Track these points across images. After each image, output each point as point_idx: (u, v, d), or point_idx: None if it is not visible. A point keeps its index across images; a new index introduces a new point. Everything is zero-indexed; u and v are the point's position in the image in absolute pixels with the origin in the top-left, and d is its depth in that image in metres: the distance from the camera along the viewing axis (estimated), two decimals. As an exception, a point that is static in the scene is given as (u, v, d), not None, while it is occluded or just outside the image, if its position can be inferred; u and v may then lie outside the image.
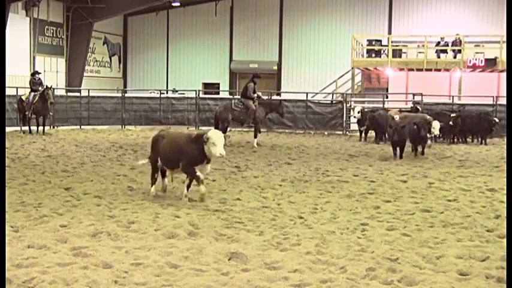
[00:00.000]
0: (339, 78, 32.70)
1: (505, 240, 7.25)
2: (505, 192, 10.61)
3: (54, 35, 30.88)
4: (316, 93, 30.54)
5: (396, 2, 34.04)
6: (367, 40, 31.62)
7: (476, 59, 28.23)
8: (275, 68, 35.87)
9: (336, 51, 33.15)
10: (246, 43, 36.21)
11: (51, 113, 23.00)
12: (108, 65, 37.16)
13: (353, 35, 30.39)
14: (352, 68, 29.66)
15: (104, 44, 36.50)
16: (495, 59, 27.54)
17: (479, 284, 5.55)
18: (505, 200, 9.90)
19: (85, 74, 32.70)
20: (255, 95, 18.60)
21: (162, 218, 8.22)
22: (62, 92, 28.28)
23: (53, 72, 30.55)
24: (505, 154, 14.63)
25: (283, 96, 29.78)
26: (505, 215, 8.73)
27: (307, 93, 27.10)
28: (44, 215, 8.20)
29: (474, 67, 28.43)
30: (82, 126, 25.85)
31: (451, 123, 20.20)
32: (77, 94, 28.24)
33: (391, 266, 6.05)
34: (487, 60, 27.87)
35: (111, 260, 6.08)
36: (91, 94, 27.23)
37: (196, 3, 36.58)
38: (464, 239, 7.27)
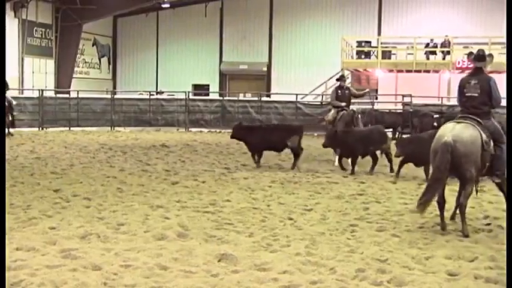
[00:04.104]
0: (328, 80, 32.71)
1: (493, 240, 7.30)
2: (494, 193, 10.67)
3: (43, 36, 30.75)
4: (306, 95, 30.58)
5: (386, 4, 34.16)
6: (357, 41, 31.70)
7: (465, 61, 28.36)
8: (265, 69, 35.89)
9: (326, 52, 33.20)
10: (235, 44, 36.22)
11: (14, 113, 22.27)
12: (98, 67, 37.07)
13: (342, 37, 30.46)
14: (342, 69, 29.70)
15: (93, 45, 36.41)
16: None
17: (468, 284, 5.58)
18: (493, 200, 9.96)
19: (74, 75, 32.59)
20: None
21: (152, 219, 8.20)
22: (51, 94, 28.17)
23: (42, 74, 30.44)
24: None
25: (273, 98, 29.84)
26: (499, 216, 8.80)
27: (297, 95, 27.14)
28: (32, 217, 8.16)
29: (463, 68, 28.56)
30: (71, 128, 25.72)
31: (435, 124, 20.26)
32: (66, 95, 28.16)
33: (381, 266, 6.06)
34: (476, 61, 27.96)
35: (101, 262, 6.06)
36: (80, 95, 27.13)
37: (186, 4, 36.55)
38: (453, 239, 7.30)
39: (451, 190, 8.68)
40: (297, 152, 13.88)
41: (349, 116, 14.90)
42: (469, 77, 8.02)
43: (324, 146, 13.87)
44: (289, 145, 13.86)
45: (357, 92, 16.82)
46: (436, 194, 7.69)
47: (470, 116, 7.81)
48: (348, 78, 16.36)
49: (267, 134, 14.27)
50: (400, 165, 12.37)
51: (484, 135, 7.60)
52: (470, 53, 8.17)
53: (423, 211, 7.85)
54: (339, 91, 15.43)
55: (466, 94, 7.94)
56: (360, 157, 13.43)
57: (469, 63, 28.91)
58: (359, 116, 15.25)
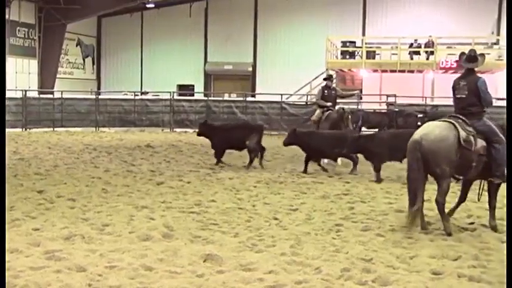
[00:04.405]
0: (313, 80, 32.84)
1: (477, 239, 7.36)
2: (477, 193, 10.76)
3: (26, 36, 30.52)
4: (291, 95, 30.63)
5: (370, 4, 34.29)
6: (341, 41, 31.80)
7: (448, 61, 28.57)
8: (250, 69, 35.90)
9: (311, 52, 33.23)
10: (220, 44, 36.16)
11: None
12: (82, 67, 36.88)
13: (327, 37, 30.54)
14: (327, 69, 29.77)
15: (77, 46, 36.22)
16: (467, 60, 27.84)
17: (452, 283, 5.62)
18: (476, 199, 10.02)
19: (58, 75, 32.37)
20: None
21: (137, 220, 8.17)
22: (35, 94, 27.98)
23: (25, 74, 30.21)
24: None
25: (258, 98, 29.84)
26: (482, 215, 8.87)
27: (281, 95, 27.16)
28: (16, 218, 8.09)
29: (446, 68, 28.76)
30: (55, 129, 25.57)
31: (419, 123, 20.37)
32: (50, 96, 27.96)
33: (366, 266, 6.09)
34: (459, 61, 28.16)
35: (85, 263, 6.03)
36: (64, 96, 26.97)
37: (171, 4, 36.44)
38: (437, 238, 7.35)
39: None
40: (254, 152, 13.94)
41: (340, 115, 14.84)
42: (460, 79, 8.07)
43: (284, 144, 13.82)
44: (247, 144, 13.94)
45: (345, 92, 16.81)
46: (418, 195, 7.69)
47: (456, 115, 7.88)
48: (335, 78, 16.32)
49: (228, 132, 14.47)
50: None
51: (462, 134, 7.64)
52: (462, 54, 8.18)
53: (414, 223, 7.71)
54: (325, 91, 15.42)
55: (457, 96, 8.02)
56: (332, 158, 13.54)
57: (453, 63, 29.15)
58: (349, 116, 15.12)
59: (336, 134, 13.74)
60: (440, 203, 7.74)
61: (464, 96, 7.91)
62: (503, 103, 21.92)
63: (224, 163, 14.28)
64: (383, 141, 12.60)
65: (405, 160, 12.44)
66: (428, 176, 7.93)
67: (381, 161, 12.40)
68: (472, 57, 8.02)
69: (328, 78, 16.07)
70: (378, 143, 12.52)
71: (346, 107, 16.62)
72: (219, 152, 14.40)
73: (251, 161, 13.90)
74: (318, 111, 15.47)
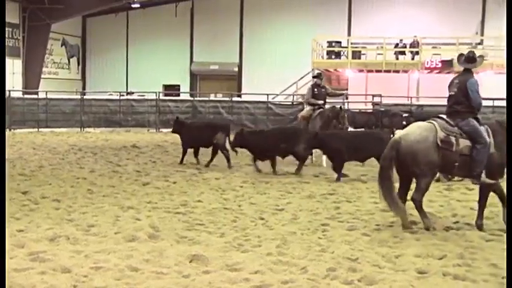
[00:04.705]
0: (299, 80, 32.89)
1: (462, 238, 7.40)
2: (462, 191, 10.84)
3: (10, 36, 30.27)
4: (277, 95, 30.67)
5: (356, 4, 34.41)
6: (327, 42, 31.87)
7: (433, 61, 28.74)
8: (236, 69, 35.88)
9: (297, 52, 33.27)
10: (206, 44, 36.12)
11: None
12: (67, 67, 36.68)
13: (313, 37, 30.58)
14: (313, 69, 29.80)
15: (62, 46, 36.01)
16: (451, 60, 28.05)
17: (437, 282, 5.65)
18: (461, 199, 10.13)
19: (43, 75, 32.15)
20: None
21: (123, 221, 8.14)
22: (19, 94, 27.77)
23: (9, 74, 29.94)
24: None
25: (244, 98, 29.83)
26: (467, 214, 8.92)
27: (267, 95, 27.19)
28: (0, 219, 8.03)
29: (431, 68, 28.92)
30: (40, 129, 25.40)
31: (404, 122, 20.41)
32: (35, 96, 27.77)
33: (352, 265, 6.11)
34: (443, 61, 28.39)
35: (70, 264, 5.99)
36: (49, 96, 26.81)
37: (156, 4, 36.34)
38: (422, 237, 7.39)
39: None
40: (223, 149, 14.03)
41: (335, 113, 14.74)
42: (456, 77, 8.24)
43: (232, 146, 13.68)
44: (215, 142, 14.02)
45: (334, 91, 16.74)
46: (393, 193, 7.77)
47: (440, 116, 7.95)
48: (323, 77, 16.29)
49: (197, 130, 14.67)
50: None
51: (440, 135, 7.70)
52: (461, 55, 8.27)
53: (405, 220, 7.81)
54: (315, 89, 15.26)
55: (449, 93, 8.14)
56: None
57: (438, 63, 29.18)
58: (345, 114, 14.96)
59: (285, 130, 13.83)
60: (416, 201, 7.83)
61: (453, 93, 8.04)
62: (488, 103, 22.14)
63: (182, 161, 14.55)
64: (342, 140, 12.65)
65: (369, 160, 12.60)
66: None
67: (341, 160, 12.42)
68: (470, 58, 8.18)
69: (318, 76, 15.86)
70: (336, 142, 12.57)
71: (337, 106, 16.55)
72: (184, 150, 14.67)
73: (227, 159, 13.93)
74: (308, 108, 15.35)
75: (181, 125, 15.10)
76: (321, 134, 12.98)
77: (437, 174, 10.66)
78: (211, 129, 14.40)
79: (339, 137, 12.86)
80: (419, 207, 7.84)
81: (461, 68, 8.36)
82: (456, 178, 7.96)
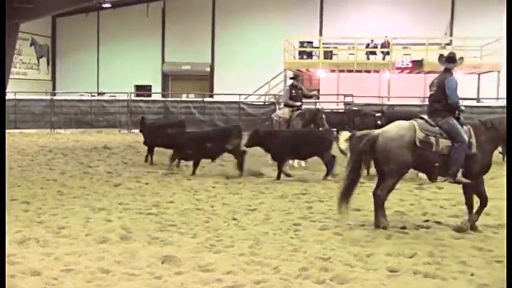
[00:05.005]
0: (271, 80, 32.96)
1: (432, 236, 7.49)
2: (432, 190, 10.96)
3: (-22, 36, 29.81)
4: (249, 95, 30.68)
5: (327, 5, 34.62)
6: (299, 42, 31.99)
7: (403, 61, 29.03)
8: (208, 69, 35.82)
9: (269, 52, 33.33)
10: (178, 45, 36.01)
11: None
12: (36, 67, 36.25)
13: (285, 37, 30.65)
14: (285, 69, 29.92)
15: (31, 46, 35.59)
16: (421, 60, 28.37)
17: (408, 280, 5.71)
18: (432, 197, 10.25)
19: (11, 76, 31.62)
20: None
21: (94, 222, 8.07)
22: (-13, 95, 27.34)
23: (-23, 75, 29.50)
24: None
25: (216, 98, 29.80)
26: (437, 212, 9.03)
27: (240, 95, 27.19)
28: (-32, 222, 7.90)
29: (402, 68, 29.21)
30: (9, 130, 24.99)
31: (379, 122, 20.53)
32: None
33: (324, 265, 6.14)
34: (413, 62, 28.70)
35: (40, 267, 5.91)
36: (18, 97, 26.45)
37: (128, 4, 36.11)
38: (393, 236, 7.45)
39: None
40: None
41: (314, 114, 14.77)
42: (436, 77, 8.36)
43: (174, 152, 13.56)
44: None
45: (308, 93, 16.78)
46: (351, 189, 7.93)
47: (421, 116, 8.07)
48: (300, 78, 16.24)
49: (156, 131, 14.88)
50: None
51: (419, 135, 7.78)
52: (442, 55, 8.43)
53: (343, 207, 7.97)
54: (293, 91, 15.20)
55: (430, 92, 8.31)
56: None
57: (408, 63, 29.46)
58: (323, 115, 14.99)
59: (219, 130, 14.00)
60: (378, 196, 7.93)
61: (433, 92, 8.21)
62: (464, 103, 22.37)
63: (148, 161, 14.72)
64: (283, 138, 12.80)
65: (313, 159, 12.74)
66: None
67: (281, 158, 12.53)
68: (451, 58, 8.35)
69: (295, 77, 15.78)
70: (277, 140, 12.66)
71: (320, 107, 16.64)
72: (149, 150, 14.80)
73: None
74: (286, 109, 15.31)
75: (143, 125, 15.40)
76: (262, 132, 13.05)
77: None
78: (169, 128, 14.51)
79: (279, 136, 13.02)
80: (380, 204, 7.91)
81: (430, 68, 8.52)
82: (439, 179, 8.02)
